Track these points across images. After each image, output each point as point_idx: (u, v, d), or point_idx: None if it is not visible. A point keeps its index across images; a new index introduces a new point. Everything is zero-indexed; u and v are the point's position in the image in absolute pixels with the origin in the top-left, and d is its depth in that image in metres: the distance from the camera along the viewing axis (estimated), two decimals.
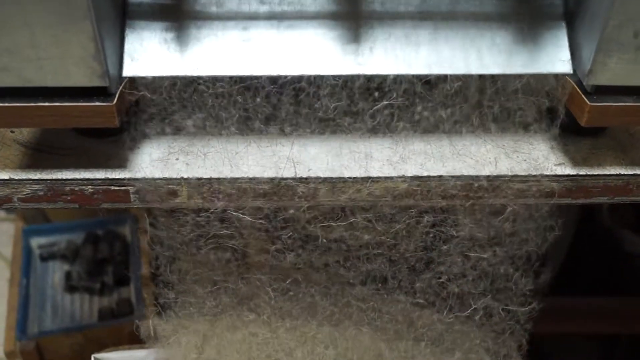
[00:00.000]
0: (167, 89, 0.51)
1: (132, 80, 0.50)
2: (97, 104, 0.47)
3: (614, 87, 0.50)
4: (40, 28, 0.44)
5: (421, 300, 0.66)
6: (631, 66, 0.48)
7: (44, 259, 1.31)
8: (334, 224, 0.56)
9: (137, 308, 1.18)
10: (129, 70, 0.50)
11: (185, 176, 0.52)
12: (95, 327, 1.17)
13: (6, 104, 0.47)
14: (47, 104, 0.47)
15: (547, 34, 0.53)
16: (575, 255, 1.33)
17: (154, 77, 0.50)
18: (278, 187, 0.52)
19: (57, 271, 1.30)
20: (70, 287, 1.26)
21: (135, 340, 0.73)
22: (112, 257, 1.29)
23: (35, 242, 1.33)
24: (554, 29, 0.53)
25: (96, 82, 0.47)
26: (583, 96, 0.49)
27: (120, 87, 0.49)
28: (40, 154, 0.54)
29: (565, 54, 0.52)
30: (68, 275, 1.28)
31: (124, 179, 0.52)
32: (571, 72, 0.52)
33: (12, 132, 0.56)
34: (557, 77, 0.52)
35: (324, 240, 0.57)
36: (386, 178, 0.52)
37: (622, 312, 1.27)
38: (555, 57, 0.52)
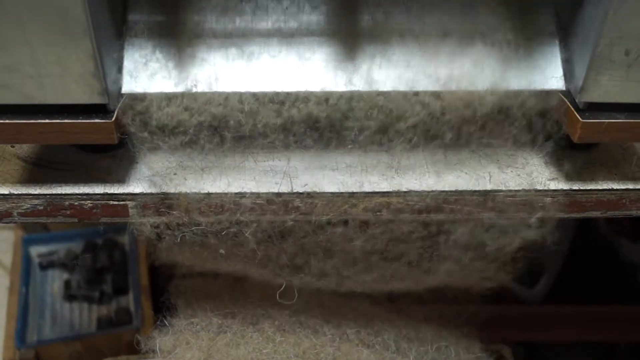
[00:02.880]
0: (165, 105, 0.52)
1: (131, 96, 0.51)
2: (96, 121, 0.48)
3: (605, 103, 0.50)
4: (41, 46, 0.45)
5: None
6: (623, 83, 0.49)
7: (44, 267, 1.32)
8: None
9: (136, 317, 1.19)
10: (127, 87, 0.51)
11: (183, 191, 0.52)
12: (94, 336, 1.17)
13: (7, 121, 0.47)
14: (47, 120, 0.48)
15: (541, 50, 0.53)
16: (572, 264, 1.33)
17: (153, 94, 0.51)
18: (275, 202, 0.53)
19: (56, 280, 1.31)
20: (70, 295, 1.26)
21: (133, 349, 0.74)
22: (111, 266, 1.30)
23: (35, 250, 1.33)
24: (547, 45, 0.53)
25: (95, 100, 0.48)
26: (575, 113, 0.50)
27: (119, 104, 0.49)
28: (40, 168, 0.55)
29: (558, 70, 0.53)
30: (67, 284, 1.28)
31: (122, 194, 0.53)
32: (564, 88, 0.53)
33: (12, 146, 0.57)
34: (550, 93, 0.53)
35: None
36: (382, 193, 0.53)
37: (620, 320, 1.28)
38: (548, 74, 0.53)
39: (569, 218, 0.56)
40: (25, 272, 1.28)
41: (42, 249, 1.34)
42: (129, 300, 1.24)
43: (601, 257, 1.37)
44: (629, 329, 1.25)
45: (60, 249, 1.34)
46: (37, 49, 0.45)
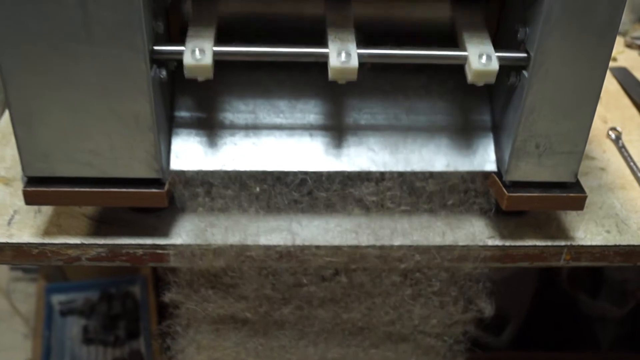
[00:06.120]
0: (200, 179, 0.69)
1: (177, 172, 0.69)
2: (153, 190, 0.65)
3: (525, 182, 0.68)
4: (117, 137, 0.63)
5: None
6: (536, 167, 0.67)
7: (64, 314, 1.47)
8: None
9: (147, 359, 1.33)
10: (174, 165, 0.69)
11: (213, 243, 0.70)
12: None
13: (89, 189, 0.65)
14: (117, 189, 0.65)
15: (479, 141, 0.72)
16: (536, 315, 1.49)
17: (193, 171, 0.69)
18: (280, 253, 0.70)
19: (75, 325, 1.45)
20: (87, 339, 1.41)
21: None
22: (124, 313, 1.45)
23: (56, 299, 1.49)
24: (484, 137, 0.72)
25: (153, 175, 0.65)
26: (503, 188, 0.68)
27: (169, 178, 0.67)
28: (102, 224, 0.72)
29: (492, 156, 0.72)
30: (85, 329, 1.43)
31: (166, 245, 0.70)
32: (496, 170, 0.71)
33: (80, 207, 0.74)
34: (487, 173, 0.71)
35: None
36: (359, 247, 0.70)
37: None
38: (485, 159, 0.71)
39: (506, 267, 0.73)
40: (48, 318, 1.43)
41: (62, 297, 1.49)
42: (140, 344, 1.39)
43: (562, 310, 1.53)
44: None
45: (78, 297, 1.49)
46: (115, 139, 0.63)
